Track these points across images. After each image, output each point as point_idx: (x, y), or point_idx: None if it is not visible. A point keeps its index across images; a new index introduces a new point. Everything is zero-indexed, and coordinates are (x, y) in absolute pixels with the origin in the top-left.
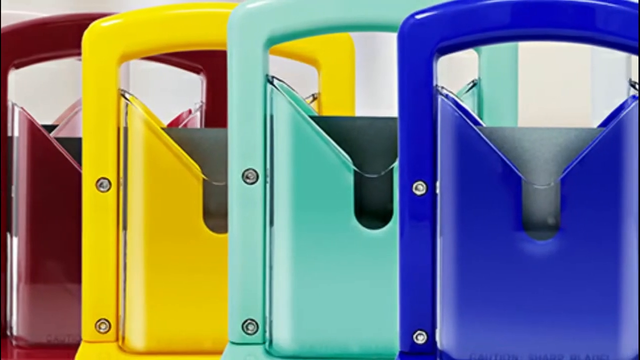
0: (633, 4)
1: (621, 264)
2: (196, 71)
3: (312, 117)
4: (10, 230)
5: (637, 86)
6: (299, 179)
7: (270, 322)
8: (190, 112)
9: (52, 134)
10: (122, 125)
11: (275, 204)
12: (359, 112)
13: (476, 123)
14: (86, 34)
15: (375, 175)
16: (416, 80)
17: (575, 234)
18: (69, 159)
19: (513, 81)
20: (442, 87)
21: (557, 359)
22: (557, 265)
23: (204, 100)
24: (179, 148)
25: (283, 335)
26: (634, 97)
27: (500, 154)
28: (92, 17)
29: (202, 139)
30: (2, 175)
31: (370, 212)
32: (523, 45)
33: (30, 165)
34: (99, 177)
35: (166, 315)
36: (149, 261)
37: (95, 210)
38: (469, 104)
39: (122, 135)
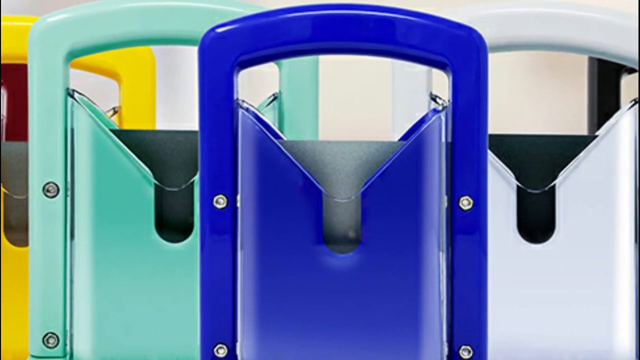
0: (434, 17)
1: (422, 277)
2: None
3: (113, 131)
4: None
5: (437, 100)
6: (99, 193)
7: (71, 335)
8: None
9: None
10: None
11: (76, 218)
12: (160, 125)
13: (277, 136)
14: None
15: (175, 189)
16: (217, 93)
17: (376, 247)
18: None
19: (314, 94)
20: (243, 101)
21: None
22: (358, 278)
23: (4, 113)
24: None
25: (84, 349)
26: (434, 110)
27: (300, 167)
28: None
29: (3, 152)
30: None
31: (171, 226)
32: (324, 58)
33: None
34: None
35: None
36: None
37: None
38: (269, 118)
39: None
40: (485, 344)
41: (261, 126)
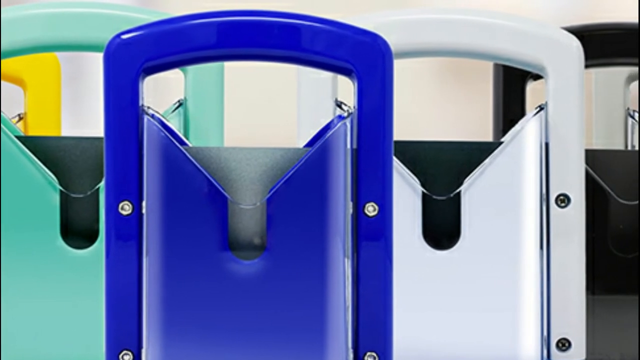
0: (339, 24)
1: (327, 283)
2: None
3: (18, 137)
4: None
5: (343, 106)
6: (4, 199)
7: None
8: None
9: None
10: None
11: None
12: (65, 132)
13: (182, 143)
14: None
15: (81, 195)
16: (122, 100)
17: (281, 253)
18: None
19: (219, 101)
20: (148, 107)
21: None
22: (263, 284)
23: None
24: None
25: None
26: (339, 116)
27: (206, 173)
28: None
29: None
30: None
31: (77, 232)
32: (229, 64)
33: None
34: None
35: None
36: None
37: None
38: (175, 124)
39: None
40: (391, 350)
41: (166, 132)
